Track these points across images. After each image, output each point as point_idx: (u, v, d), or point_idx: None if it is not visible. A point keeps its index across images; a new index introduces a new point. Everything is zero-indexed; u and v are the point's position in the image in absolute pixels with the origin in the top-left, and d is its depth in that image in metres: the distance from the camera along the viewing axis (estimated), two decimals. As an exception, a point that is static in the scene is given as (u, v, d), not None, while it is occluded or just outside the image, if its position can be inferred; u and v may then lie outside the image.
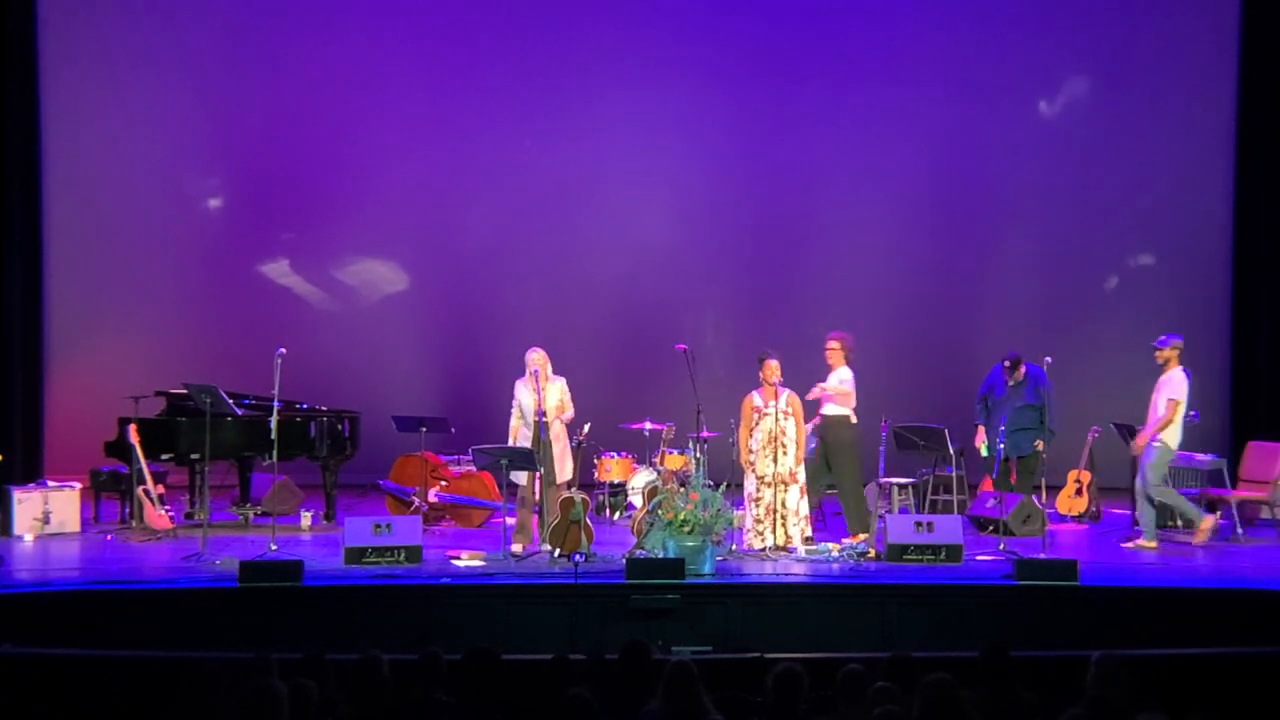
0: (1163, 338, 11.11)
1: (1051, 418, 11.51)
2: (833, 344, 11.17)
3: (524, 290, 14.65)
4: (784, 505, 10.53)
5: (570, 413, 10.66)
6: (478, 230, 14.79)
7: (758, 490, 10.61)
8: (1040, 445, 11.41)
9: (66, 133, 14.05)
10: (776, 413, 10.58)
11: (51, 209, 13.99)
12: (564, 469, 10.65)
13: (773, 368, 10.69)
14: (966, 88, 14.69)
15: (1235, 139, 14.40)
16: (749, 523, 10.57)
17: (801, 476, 10.73)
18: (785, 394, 10.67)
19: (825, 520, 12.05)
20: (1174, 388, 10.85)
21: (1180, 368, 10.95)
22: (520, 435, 10.58)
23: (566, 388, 10.67)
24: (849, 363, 11.12)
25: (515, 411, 10.64)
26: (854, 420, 11.07)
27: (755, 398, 10.72)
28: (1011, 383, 11.66)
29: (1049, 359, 11.02)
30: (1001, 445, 11.35)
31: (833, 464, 11.06)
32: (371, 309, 14.85)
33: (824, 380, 11.06)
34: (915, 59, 14.67)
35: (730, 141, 14.82)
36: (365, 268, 14.88)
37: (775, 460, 10.56)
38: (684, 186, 14.82)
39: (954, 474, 12.09)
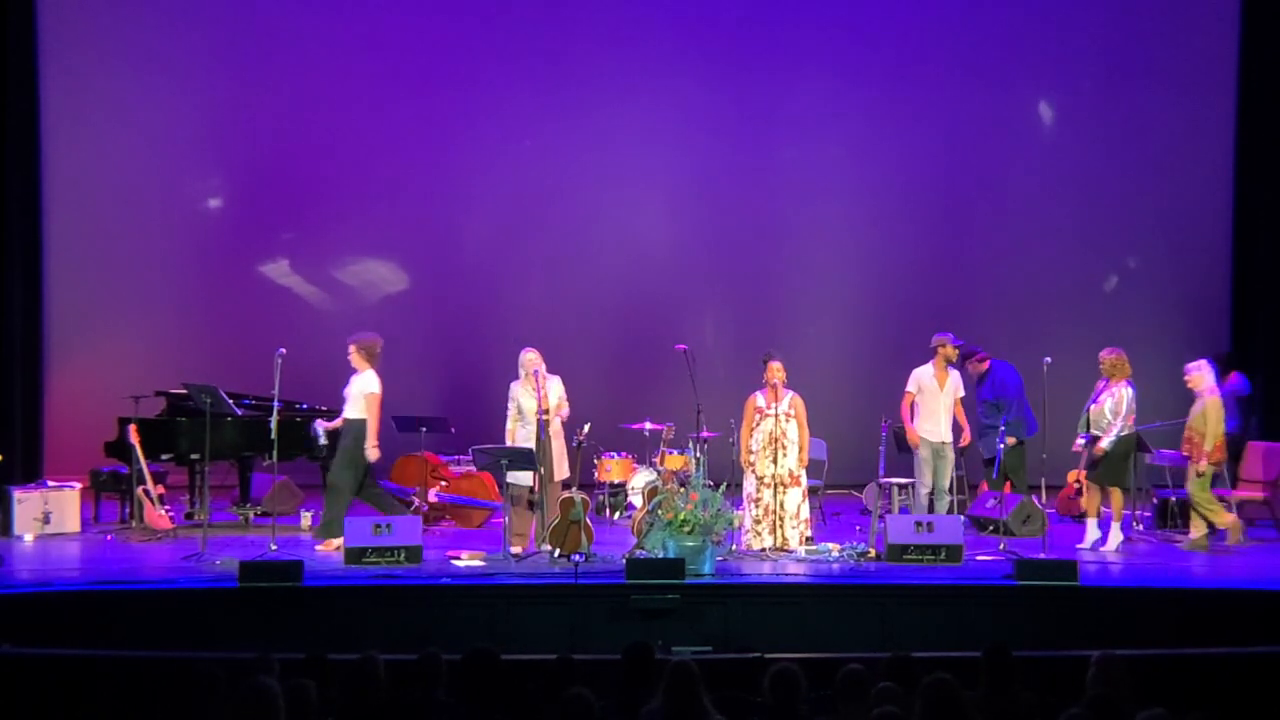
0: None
1: (1009, 414, 11.58)
2: (351, 348, 10.85)
3: (524, 290, 14.65)
4: (783, 507, 10.51)
5: (566, 410, 10.66)
6: (478, 230, 14.79)
7: (757, 491, 10.60)
8: (1012, 442, 11.53)
9: (66, 132, 14.04)
10: (778, 414, 10.57)
11: (51, 209, 13.98)
12: (562, 467, 10.66)
13: (775, 369, 10.67)
14: (966, 88, 14.69)
15: (1235, 139, 14.42)
16: (748, 523, 10.56)
17: (804, 479, 10.72)
18: (789, 396, 10.65)
19: (825, 520, 12.07)
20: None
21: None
22: (518, 437, 10.57)
23: (562, 385, 10.68)
24: (373, 365, 10.79)
25: (512, 414, 10.62)
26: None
27: (758, 398, 10.72)
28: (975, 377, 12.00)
29: (1048, 359, 11.00)
30: (1002, 446, 11.39)
31: (338, 462, 10.73)
32: (371, 309, 14.83)
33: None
34: (915, 60, 14.68)
35: (730, 141, 14.82)
36: (365, 268, 14.87)
37: (775, 461, 10.55)
38: (684, 186, 14.83)
39: (954, 474, 12.06)
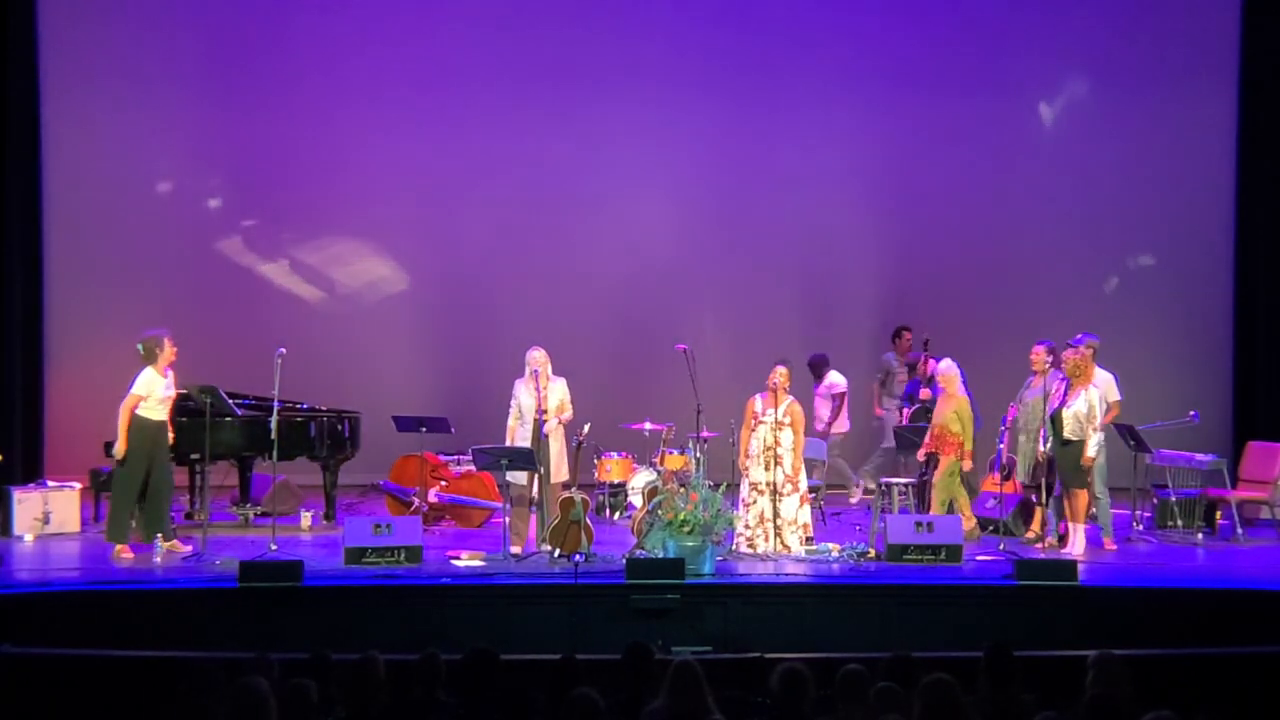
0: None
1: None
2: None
3: (524, 290, 14.64)
4: (778, 515, 10.47)
5: (569, 413, 10.65)
6: (478, 230, 14.78)
7: (749, 496, 10.59)
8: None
9: (67, 132, 14.02)
10: (774, 421, 10.56)
11: (51, 209, 13.97)
12: (561, 469, 10.65)
13: (777, 372, 10.63)
14: (966, 89, 14.69)
15: (1235, 139, 14.42)
16: (739, 526, 10.51)
17: (803, 484, 10.70)
18: (787, 403, 10.61)
19: (825, 520, 12.06)
20: None
21: None
22: (517, 436, 10.57)
23: (567, 388, 10.66)
24: (150, 363, 10.42)
25: (514, 412, 10.60)
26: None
27: (756, 402, 10.69)
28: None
29: (1049, 361, 11.02)
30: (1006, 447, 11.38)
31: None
32: (371, 309, 14.85)
33: None
34: (915, 61, 14.68)
35: (730, 142, 14.82)
36: (365, 268, 14.88)
37: (768, 468, 10.53)
38: (685, 186, 14.82)
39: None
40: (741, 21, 14.76)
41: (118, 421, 10.36)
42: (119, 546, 10.42)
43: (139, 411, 10.36)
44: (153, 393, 10.40)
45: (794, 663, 5.89)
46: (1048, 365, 10.92)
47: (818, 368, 13.12)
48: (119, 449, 10.35)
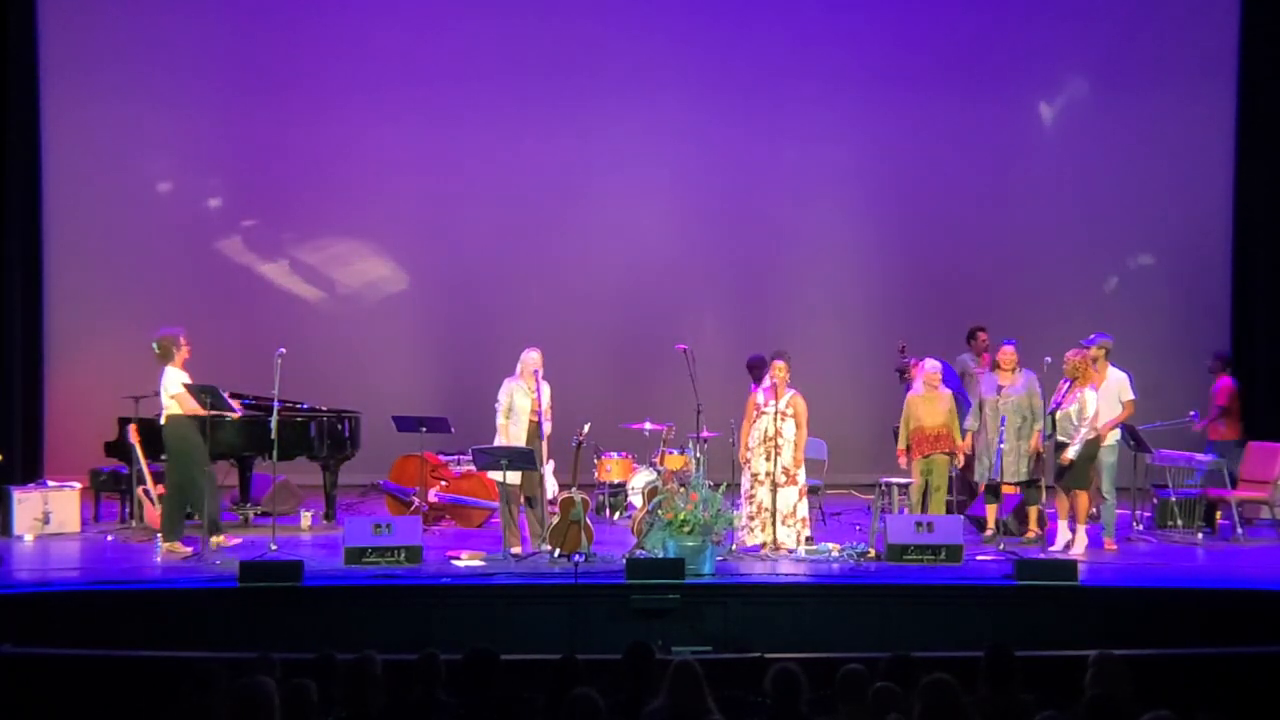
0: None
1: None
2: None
3: (524, 290, 14.66)
4: (776, 506, 10.48)
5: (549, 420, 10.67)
6: (478, 230, 14.79)
7: (751, 487, 10.60)
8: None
9: (66, 133, 14.04)
10: (775, 413, 10.57)
11: (51, 209, 13.98)
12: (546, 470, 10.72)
13: (777, 367, 10.65)
14: (966, 89, 14.71)
15: (1235, 139, 14.43)
16: (743, 519, 10.54)
17: (801, 478, 10.70)
18: (789, 395, 10.64)
19: (825, 520, 12.06)
20: None
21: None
22: (510, 435, 10.55)
23: (549, 394, 10.64)
24: (169, 361, 10.52)
25: (503, 411, 10.55)
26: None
27: (758, 395, 10.72)
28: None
29: (1048, 359, 11.02)
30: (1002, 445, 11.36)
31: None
32: (371, 309, 14.86)
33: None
34: (915, 61, 14.70)
35: (730, 142, 14.84)
36: (365, 268, 14.89)
37: (769, 459, 10.54)
38: (684, 186, 14.84)
39: (954, 474, 12.06)
40: (742, 22, 14.78)
41: (200, 418, 10.39)
42: (220, 539, 10.47)
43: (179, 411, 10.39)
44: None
45: (787, 663, 5.88)
46: (1016, 363, 10.97)
47: (757, 369, 12.84)
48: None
